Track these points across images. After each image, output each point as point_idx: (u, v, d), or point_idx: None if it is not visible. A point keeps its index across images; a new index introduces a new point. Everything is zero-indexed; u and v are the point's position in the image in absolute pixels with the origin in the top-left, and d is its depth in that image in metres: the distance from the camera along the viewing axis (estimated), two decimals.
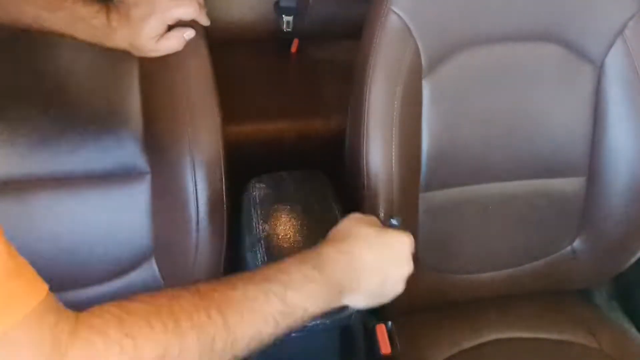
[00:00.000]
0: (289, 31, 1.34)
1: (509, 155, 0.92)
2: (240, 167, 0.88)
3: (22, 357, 0.42)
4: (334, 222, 0.86)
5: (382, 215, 0.64)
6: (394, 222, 0.65)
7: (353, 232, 0.63)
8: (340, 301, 0.61)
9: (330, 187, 0.93)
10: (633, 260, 0.99)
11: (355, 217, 0.66)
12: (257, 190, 0.91)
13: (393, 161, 0.83)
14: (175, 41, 0.81)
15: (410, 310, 0.98)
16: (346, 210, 0.89)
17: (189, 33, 0.81)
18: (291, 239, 0.84)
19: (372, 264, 0.61)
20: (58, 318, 0.43)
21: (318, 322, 0.76)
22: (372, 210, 0.85)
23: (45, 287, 0.44)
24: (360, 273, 0.61)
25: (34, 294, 0.42)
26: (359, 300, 0.63)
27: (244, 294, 0.52)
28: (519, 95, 0.90)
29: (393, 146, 0.83)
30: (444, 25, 0.83)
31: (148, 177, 0.85)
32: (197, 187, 0.81)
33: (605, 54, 0.89)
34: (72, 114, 0.83)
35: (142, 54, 0.81)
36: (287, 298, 0.54)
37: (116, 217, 0.85)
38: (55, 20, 0.75)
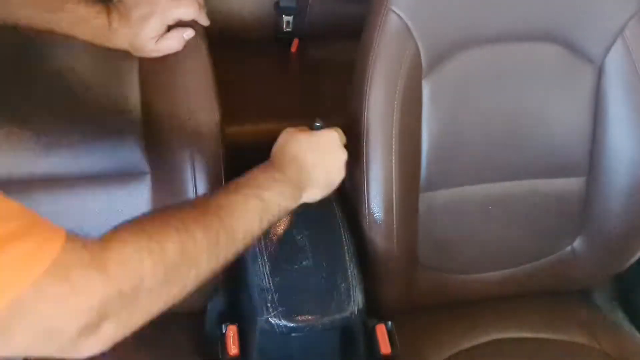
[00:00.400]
0: (289, 31, 1.34)
1: (509, 155, 0.92)
2: (240, 167, 0.88)
3: (70, 280, 0.46)
4: (333, 222, 0.86)
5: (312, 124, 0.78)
6: (317, 124, 0.78)
7: (290, 142, 0.74)
8: (302, 196, 0.72)
9: None
10: (633, 260, 0.99)
11: (287, 131, 0.77)
12: None
13: (393, 161, 0.83)
14: (175, 41, 0.81)
15: (410, 310, 0.98)
16: (346, 210, 0.89)
17: (189, 33, 0.81)
18: (291, 239, 0.84)
19: (314, 161, 0.73)
20: (83, 243, 0.49)
21: (318, 322, 0.77)
22: (372, 211, 0.85)
23: (62, 232, 0.48)
24: (308, 170, 0.73)
25: (55, 239, 0.47)
26: (316, 193, 0.74)
27: (231, 198, 0.64)
28: (518, 95, 0.90)
29: (393, 146, 0.83)
30: (444, 25, 0.83)
31: (148, 177, 0.84)
32: (197, 187, 0.81)
33: (605, 54, 0.89)
34: (72, 114, 0.83)
35: (143, 54, 0.81)
36: (264, 197, 0.65)
37: (116, 217, 0.84)
38: (57, 21, 0.75)
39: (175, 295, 0.56)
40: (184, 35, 0.81)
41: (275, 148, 0.75)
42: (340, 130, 0.77)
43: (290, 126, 1.02)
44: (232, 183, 0.67)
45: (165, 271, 0.53)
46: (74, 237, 0.48)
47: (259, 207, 0.64)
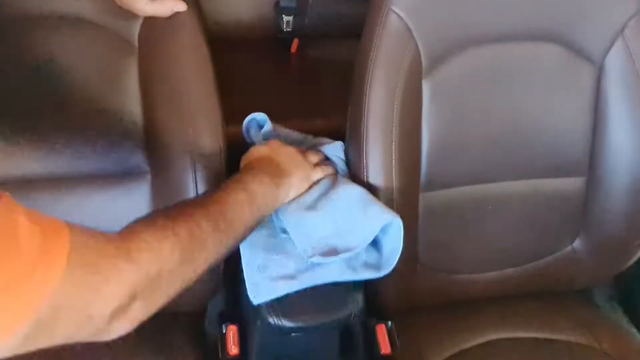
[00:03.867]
0: (289, 31, 1.34)
1: (509, 155, 0.92)
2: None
3: (100, 270, 0.51)
4: None
5: None
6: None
7: (252, 152, 0.83)
8: (283, 183, 0.78)
9: None
10: (633, 260, 0.99)
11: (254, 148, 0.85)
12: None
13: (393, 161, 0.83)
14: (165, 8, 0.84)
15: (410, 310, 0.98)
16: None
17: (180, 7, 0.84)
18: None
19: (279, 156, 0.81)
20: (105, 236, 0.54)
21: (318, 322, 0.77)
22: None
23: (65, 226, 0.50)
24: (277, 163, 0.80)
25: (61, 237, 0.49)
26: (293, 182, 0.80)
27: (221, 194, 0.71)
28: (519, 95, 0.90)
29: (393, 146, 0.83)
30: (444, 25, 0.83)
31: (148, 177, 0.85)
32: (198, 187, 0.81)
33: (605, 54, 0.89)
34: (72, 113, 0.83)
35: (128, 7, 0.83)
36: (248, 188, 0.72)
37: (116, 216, 0.84)
38: None
39: (190, 276, 0.62)
40: (173, 7, 0.84)
41: (243, 161, 0.83)
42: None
43: (290, 126, 1.02)
44: (220, 184, 0.74)
45: (181, 253, 0.59)
46: (82, 231, 0.52)
47: (246, 198, 0.71)
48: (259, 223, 0.74)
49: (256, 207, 0.72)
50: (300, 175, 0.81)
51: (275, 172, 0.78)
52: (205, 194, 0.72)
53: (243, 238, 0.72)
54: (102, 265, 0.52)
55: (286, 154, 0.82)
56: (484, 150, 0.91)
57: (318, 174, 0.84)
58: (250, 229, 0.72)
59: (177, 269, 0.59)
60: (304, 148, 0.91)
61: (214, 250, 0.65)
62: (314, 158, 0.87)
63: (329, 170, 0.86)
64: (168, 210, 0.65)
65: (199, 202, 0.68)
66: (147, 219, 0.62)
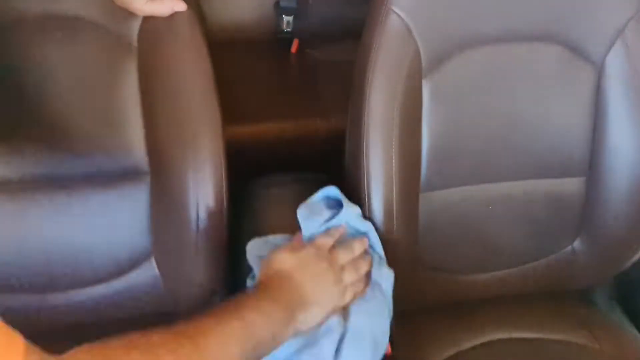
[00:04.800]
0: (289, 31, 1.34)
1: (509, 155, 0.92)
2: (240, 167, 0.88)
3: None
4: None
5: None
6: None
7: (276, 261, 0.70)
8: (297, 319, 0.65)
9: None
10: (633, 260, 0.99)
11: (275, 250, 0.72)
12: (257, 190, 0.92)
13: (393, 161, 0.83)
14: (165, 7, 0.82)
15: (410, 310, 0.98)
16: None
17: (181, 5, 0.82)
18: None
19: (303, 279, 0.67)
20: (42, 358, 0.45)
21: None
22: (372, 211, 0.85)
23: (20, 341, 0.44)
24: (298, 290, 0.66)
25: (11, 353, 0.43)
26: (315, 313, 0.67)
27: (210, 320, 0.58)
28: (519, 96, 0.90)
29: (393, 146, 0.83)
30: (445, 25, 0.83)
31: (148, 178, 0.85)
32: (197, 188, 0.81)
33: (606, 54, 0.89)
34: (72, 115, 0.83)
35: (127, 7, 0.81)
36: (247, 318, 0.59)
37: (116, 217, 0.85)
38: None
39: None
40: (173, 7, 0.82)
41: (262, 268, 0.71)
42: (326, 239, 0.74)
43: (290, 126, 1.02)
44: (218, 305, 0.61)
45: None
46: (33, 351, 0.45)
47: (239, 329, 0.58)
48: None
49: (251, 345, 0.58)
50: (325, 303, 0.67)
51: (293, 298, 0.65)
52: (192, 317, 0.57)
53: None
54: None
55: (313, 272, 0.68)
56: (484, 150, 0.91)
57: (348, 295, 0.71)
58: None
59: None
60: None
61: None
62: (343, 259, 0.72)
63: (359, 287, 0.73)
64: (129, 337, 0.53)
65: (174, 330, 0.55)
66: (98, 345, 0.51)
